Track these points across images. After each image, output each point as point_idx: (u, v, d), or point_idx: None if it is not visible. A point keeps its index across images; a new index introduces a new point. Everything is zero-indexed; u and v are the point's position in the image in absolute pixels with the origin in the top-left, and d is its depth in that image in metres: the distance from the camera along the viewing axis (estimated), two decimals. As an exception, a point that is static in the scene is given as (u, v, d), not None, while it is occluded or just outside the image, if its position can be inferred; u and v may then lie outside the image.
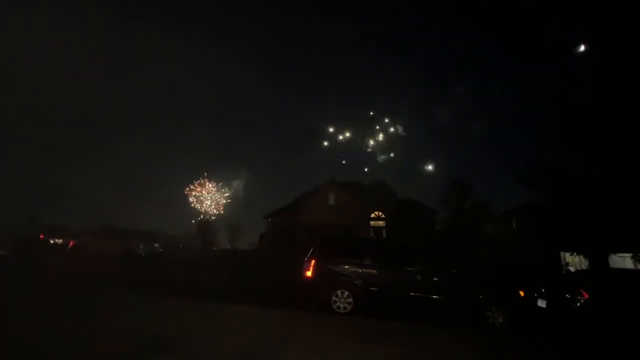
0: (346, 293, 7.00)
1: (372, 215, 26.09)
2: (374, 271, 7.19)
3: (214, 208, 36.49)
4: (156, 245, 17.91)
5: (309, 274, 7.29)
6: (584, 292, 6.95)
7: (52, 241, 17.18)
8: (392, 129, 25.23)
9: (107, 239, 16.26)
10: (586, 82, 10.99)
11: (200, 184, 36.17)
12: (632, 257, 11.30)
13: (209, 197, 36.24)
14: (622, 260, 13.76)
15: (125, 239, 16.45)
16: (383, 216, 25.94)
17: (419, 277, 7.06)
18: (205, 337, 4.50)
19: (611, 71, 9.97)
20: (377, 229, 25.95)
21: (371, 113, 26.18)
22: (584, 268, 13.88)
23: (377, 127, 25.07)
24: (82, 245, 16.20)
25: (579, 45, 11.61)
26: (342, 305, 6.95)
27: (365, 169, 26.98)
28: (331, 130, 25.72)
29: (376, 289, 7.03)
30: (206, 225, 34.67)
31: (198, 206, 35.55)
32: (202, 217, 35.75)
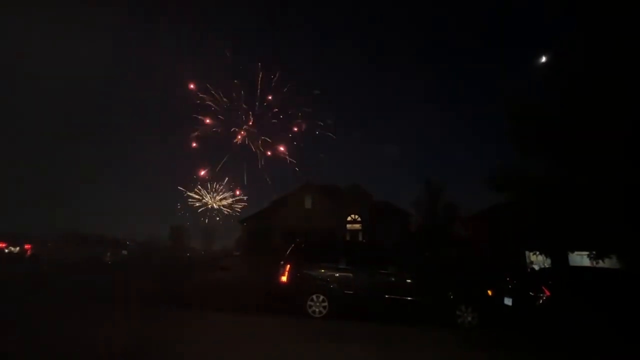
0: (321, 297, 6.99)
1: (349, 218, 26.32)
2: (350, 274, 7.24)
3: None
4: (124, 252, 17.11)
5: (284, 278, 7.22)
6: (545, 290, 7.33)
7: (6, 250, 15.96)
8: None
9: (70, 246, 15.32)
10: (549, 91, 11.64)
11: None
12: (588, 255, 12.08)
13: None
14: (580, 259, 14.67)
15: (91, 246, 15.58)
16: (359, 219, 26.24)
17: (393, 279, 7.19)
18: (174, 345, 4.33)
19: (573, 81, 10.53)
20: (354, 232, 26.20)
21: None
22: (547, 266, 14.69)
23: None
24: (41, 254, 15.17)
25: (540, 55, 12.32)
26: (317, 310, 6.93)
27: None
28: None
29: (352, 292, 7.08)
30: (179, 231, 33.62)
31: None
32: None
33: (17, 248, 16.19)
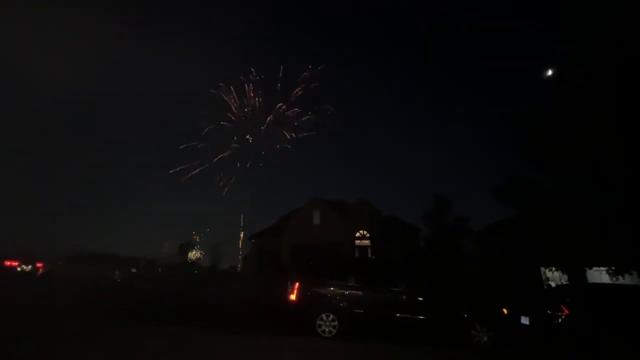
0: (331, 316, 6.85)
1: (357, 234, 26.06)
2: (359, 293, 7.10)
3: None
4: (133, 270, 17.14)
5: (293, 297, 7.12)
6: (564, 308, 7.07)
7: (19, 269, 16.16)
8: None
9: (80, 264, 15.42)
10: (555, 102, 11.58)
11: None
12: (607, 271, 11.66)
13: None
14: (599, 274, 14.17)
15: (101, 264, 15.66)
16: (368, 235, 25.95)
17: (404, 297, 7.02)
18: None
19: (579, 92, 10.49)
20: (363, 247, 25.88)
21: None
22: (564, 283, 14.19)
23: None
24: (52, 272, 15.28)
25: (547, 67, 12.33)
26: (327, 329, 6.78)
27: None
28: None
29: (362, 311, 6.92)
30: (188, 249, 33.80)
31: None
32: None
33: (30, 266, 16.39)
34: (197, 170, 35.61)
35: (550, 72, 12.22)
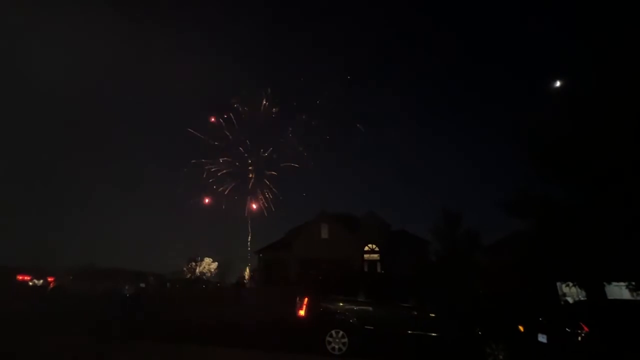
0: (341, 333, 6.70)
1: (366, 248, 25.75)
2: (369, 308, 6.95)
3: None
4: (142, 285, 17.16)
5: (302, 313, 7.01)
6: (583, 325, 6.79)
7: (30, 283, 16.35)
8: None
9: (91, 279, 15.54)
10: (565, 115, 11.46)
11: None
12: (627, 286, 11.22)
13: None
14: (619, 290, 13.63)
15: (111, 279, 15.73)
16: (377, 249, 25.61)
17: (416, 313, 6.84)
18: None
19: (588, 105, 10.38)
20: (372, 262, 25.50)
21: None
22: (582, 299, 13.66)
23: None
24: (63, 287, 15.41)
25: (555, 79, 12.25)
26: (337, 346, 6.62)
27: None
28: None
29: (372, 327, 6.76)
30: (195, 263, 33.84)
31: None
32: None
33: (41, 281, 16.57)
34: (203, 196, 35.76)
35: (558, 83, 12.16)
